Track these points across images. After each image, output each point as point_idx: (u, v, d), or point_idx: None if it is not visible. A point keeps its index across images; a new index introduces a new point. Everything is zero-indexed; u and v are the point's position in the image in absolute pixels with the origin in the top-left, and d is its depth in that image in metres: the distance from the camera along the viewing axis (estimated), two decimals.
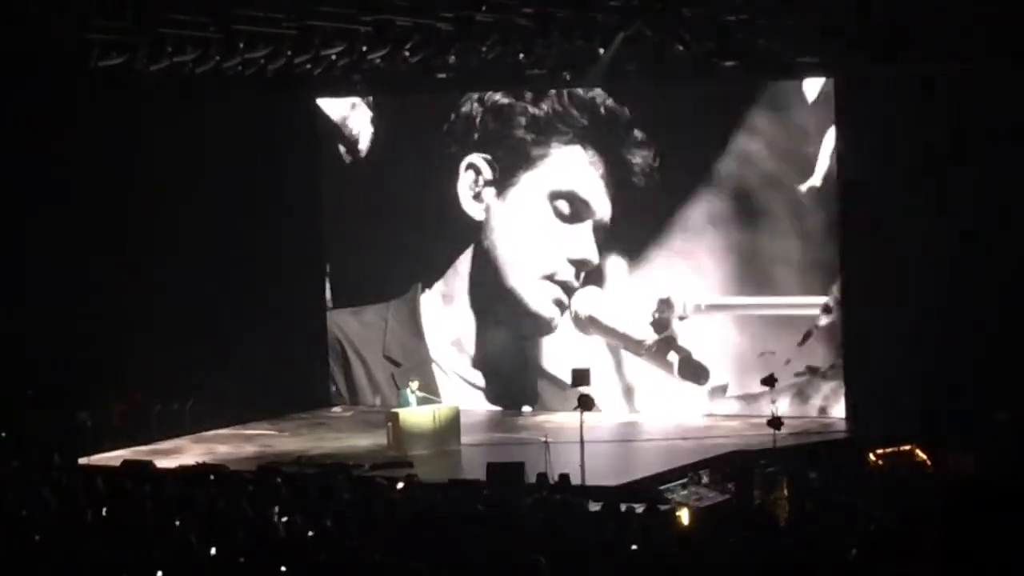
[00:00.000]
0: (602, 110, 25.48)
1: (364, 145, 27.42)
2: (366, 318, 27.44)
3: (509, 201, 26.32)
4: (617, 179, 25.46)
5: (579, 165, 25.73)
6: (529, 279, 26.15)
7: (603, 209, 25.57)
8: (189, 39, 22.33)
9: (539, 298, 26.08)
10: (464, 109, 26.42)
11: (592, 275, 25.75)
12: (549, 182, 25.96)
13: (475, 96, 26.26)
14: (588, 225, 25.72)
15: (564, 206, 25.88)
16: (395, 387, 25.59)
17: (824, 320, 23.56)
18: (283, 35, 22.40)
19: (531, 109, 25.96)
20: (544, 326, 26.09)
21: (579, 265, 25.77)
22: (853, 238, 23.52)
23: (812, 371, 24.22)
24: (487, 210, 26.46)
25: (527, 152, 26.03)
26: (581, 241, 25.73)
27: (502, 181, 26.31)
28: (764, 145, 24.51)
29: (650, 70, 23.74)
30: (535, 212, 26.09)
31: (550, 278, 26.01)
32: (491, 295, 26.49)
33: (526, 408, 26.09)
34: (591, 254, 25.68)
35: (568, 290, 25.93)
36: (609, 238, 25.62)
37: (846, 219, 23.69)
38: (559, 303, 26.02)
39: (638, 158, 25.30)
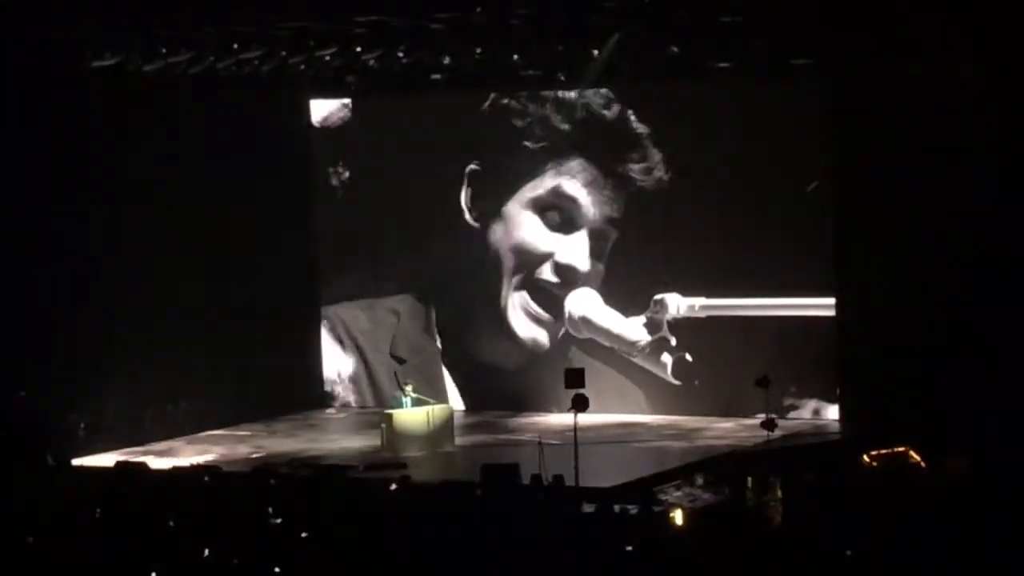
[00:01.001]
0: (598, 113, 25.45)
1: (358, 146, 27.39)
2: (377, 314, 27.41)
3: (504, 210, 26.28)
4: (611, 180, 25.44)
5: (572, 171, 25.70)
6: (510, 291, 26.18)
7: (597, 215, 25.54)
8: (183, 40, 22.33)
9: (518, 314, 26.10)
10: (460, 110, 26.42)
11: (586, 276, 25.73)
12: (541, 189, 25.94)
13: (472, 97, 26.22)
14: (583, 234, 25.71)
15: (555, 215, 25.90)
16: (397, 384, 25.54)
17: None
18: (277, 36, 22.41)
19: (526, 116, 25.93)
20: (523, 344, 26.18)
21: (565, 273, 25.76)
22: (850, 240, 23.48)
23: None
24: (480, 219, 26.43)
25: (521, 159, 26.00)
26: (573, 250, 25.72)
27: (497, 189, 26.27)
28: (762, 146, 24.48)
29: (645, 71, 23.72)
30: (527, 221, 26.08)
31: (532, 288, 26.00)
32: (478, 302, 26.49)
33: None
34: (581, 262, 25.67)
35: (551, 300, 25.91)
36: (603, 238, 25.60)
37: (843, 220, 23.64)
38: (536, 318, 26.03)
39: (633, 161, 25.28)
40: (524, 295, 26.12)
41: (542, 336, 26.08)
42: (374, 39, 22.52)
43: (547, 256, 25.94)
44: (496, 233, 26.37)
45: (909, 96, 22.12)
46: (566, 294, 25.84)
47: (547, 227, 25.97)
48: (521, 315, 26.14)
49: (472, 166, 26.42)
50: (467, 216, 26.48)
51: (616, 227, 25.52)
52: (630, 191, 25.31)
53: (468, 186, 26.47)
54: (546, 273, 25.97)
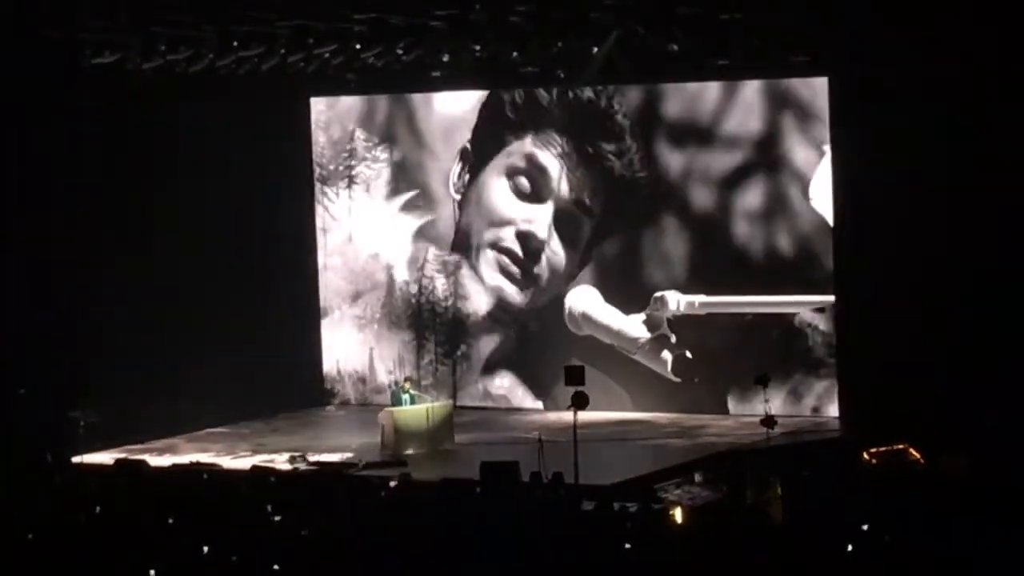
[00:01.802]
0: (590, 104, 25.51)
1: (357, 144, 27.41)
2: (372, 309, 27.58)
3: (479, 179, 26.41)
4: (610, 176, 25.46)
5: (547, 142, 25.80)
6: (479, 253, 26.37)
7: (565, 191, 25.61)
8: (182, 38, 22.33)
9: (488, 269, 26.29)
10: (458, 108, 26.47)
11: (584, 274, 25.76)
12: (515, 156, 26.05)
13: (469, 95, 26.28)
14: (548, 206, 25.78)
15: (523, 182, 26.00)
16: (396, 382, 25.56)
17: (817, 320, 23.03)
18: (276, 34, 22.41)
19: (516, 101, 26.06)
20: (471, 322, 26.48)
21: (525, 241, 25.85)
22: (848, 238, 23.47)
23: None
24: (461, 192, 26.59)
25: (502, 141, 26.13)
26: (535, 219, 25.82)
27: (476, 168, 26.41)
28: (760, 144, 24.49)
29: (644, 69, 23.72)
30: (496, 187, 26.22)
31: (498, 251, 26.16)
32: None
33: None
34: (541, 231, 25.75)
35: (506, 272, 26.06)
36: (603, 236, 25.63)
37: (841, 218, 23.64)
38: (505, 271, 26.19)
39: (630, 154, 25.30)
40: (490, 255, 26.27)
41: (509, 287, 26.15)
42: (374, 37, 22.51)
43: (509, 222, 26.06)
44: (470, 202, 26.52)
45: (909, 95, 22.10)
46: (529, 265, 25.90)
47: (515, 194, 26.05)
48: (491, 268, 26.27)
49: (465, 144, 26.53)
50: (451, 190, 26.59)
51: (589, 215, 25.56)
52: (607, 178, 25.34)
53: (459, 162, 26.57)
54: (508, 240, 26.09)
